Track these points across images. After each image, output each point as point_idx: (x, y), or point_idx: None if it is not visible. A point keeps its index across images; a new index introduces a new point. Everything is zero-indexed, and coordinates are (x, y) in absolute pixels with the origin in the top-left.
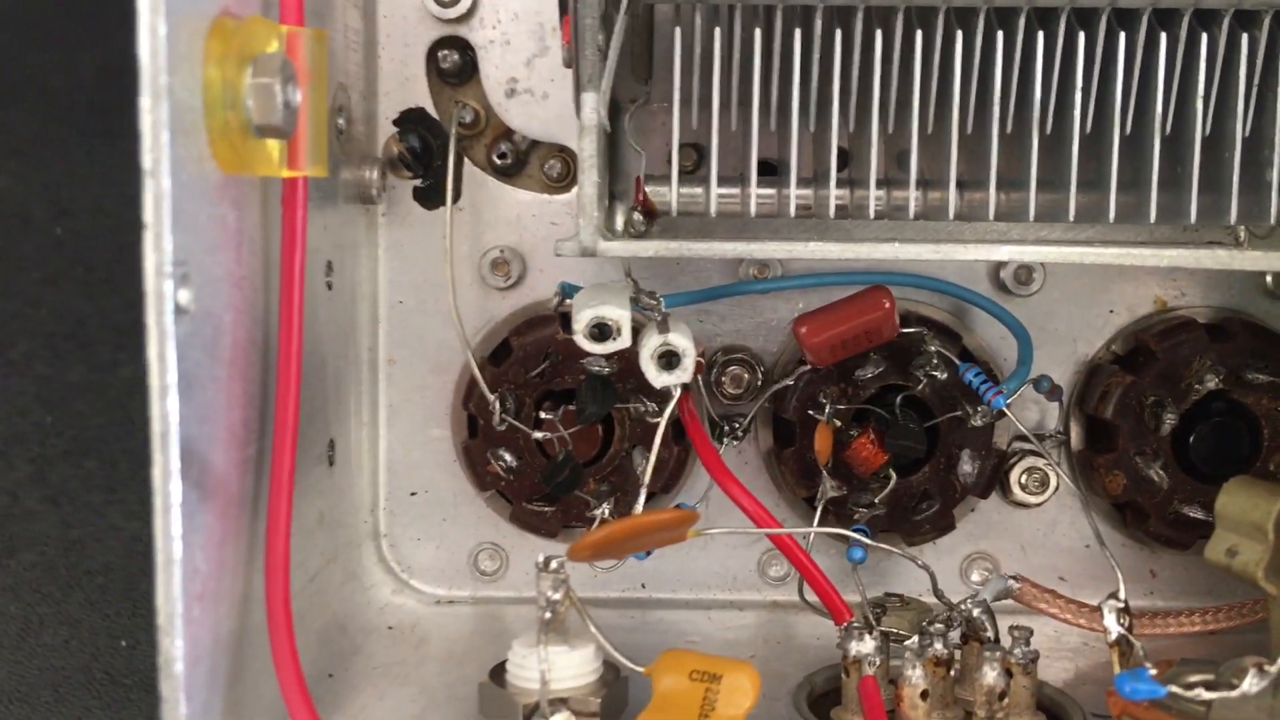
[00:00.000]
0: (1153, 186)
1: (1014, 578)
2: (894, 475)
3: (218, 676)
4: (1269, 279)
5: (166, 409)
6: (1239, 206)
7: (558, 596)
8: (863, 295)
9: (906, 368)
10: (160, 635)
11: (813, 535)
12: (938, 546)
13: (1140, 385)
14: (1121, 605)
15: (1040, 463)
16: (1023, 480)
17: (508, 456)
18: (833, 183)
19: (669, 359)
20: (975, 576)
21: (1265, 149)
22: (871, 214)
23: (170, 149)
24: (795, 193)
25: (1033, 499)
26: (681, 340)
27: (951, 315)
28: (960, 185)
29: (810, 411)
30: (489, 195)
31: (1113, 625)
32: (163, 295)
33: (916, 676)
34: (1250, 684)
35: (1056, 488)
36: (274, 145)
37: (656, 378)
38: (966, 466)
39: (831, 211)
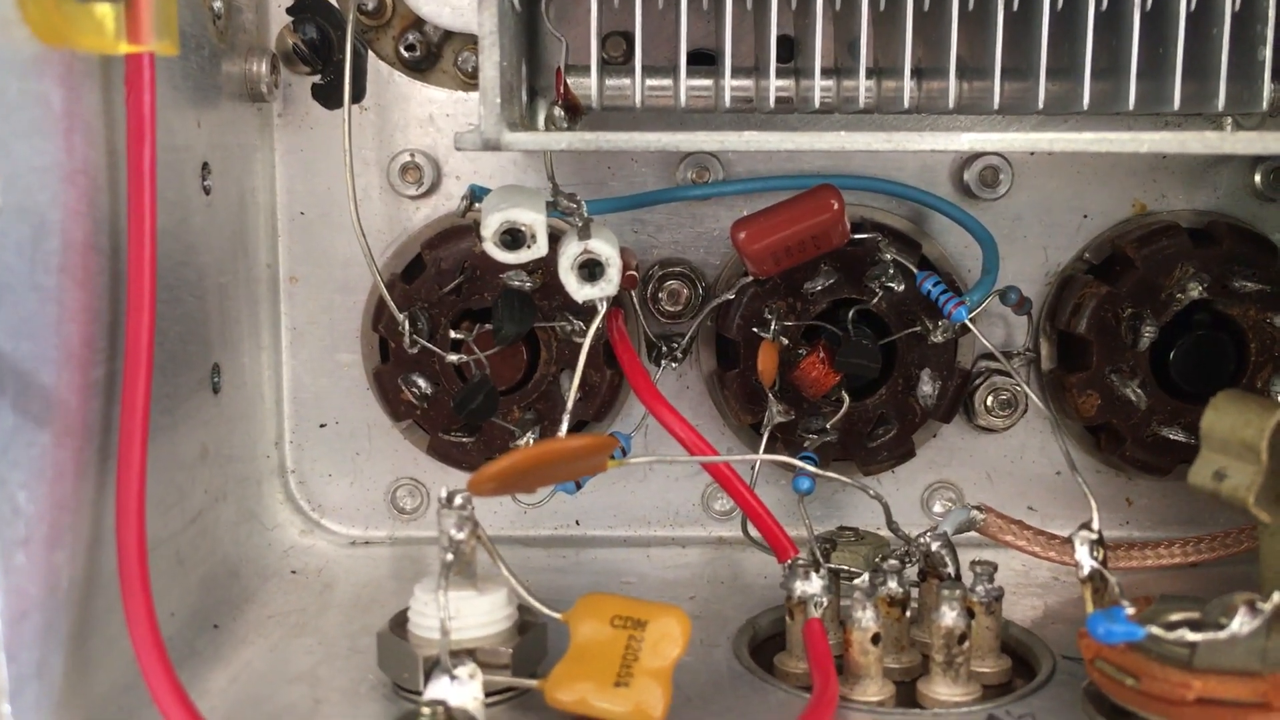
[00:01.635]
0: (1132, 69)
1: (978, 508)
2: (847, 398)
3: (54, 632)
4: (1258, 178)
5: None
6: (1227, 92)
7: (462, 535)
8: (808, 195)
9: (860, 280)
10: None
11: (757, 465)
12: (897, 476)
13: (1116, 296)
14: (1095, 537)
15: (1007, 383)
16: (988, 402)
17: (422, 382)
18: (772, 72)
19: (591, 269)
20: (937, 508)
21: (1257, 24)
22: (817, 105)
23: None
24: (731, 83)
25: (999, 423)
26: (605, 248)
27: (910, 222)
28: (917, 74)
29: (755, 329)
30: (397, 93)
31: (1085, 559)
32: None
33: (867, 619)
34: (1240, 624)
35: (1025, 410)
36: (105, 12)
37: (578, 290)
38: (926, 388)
39: (772, 103)
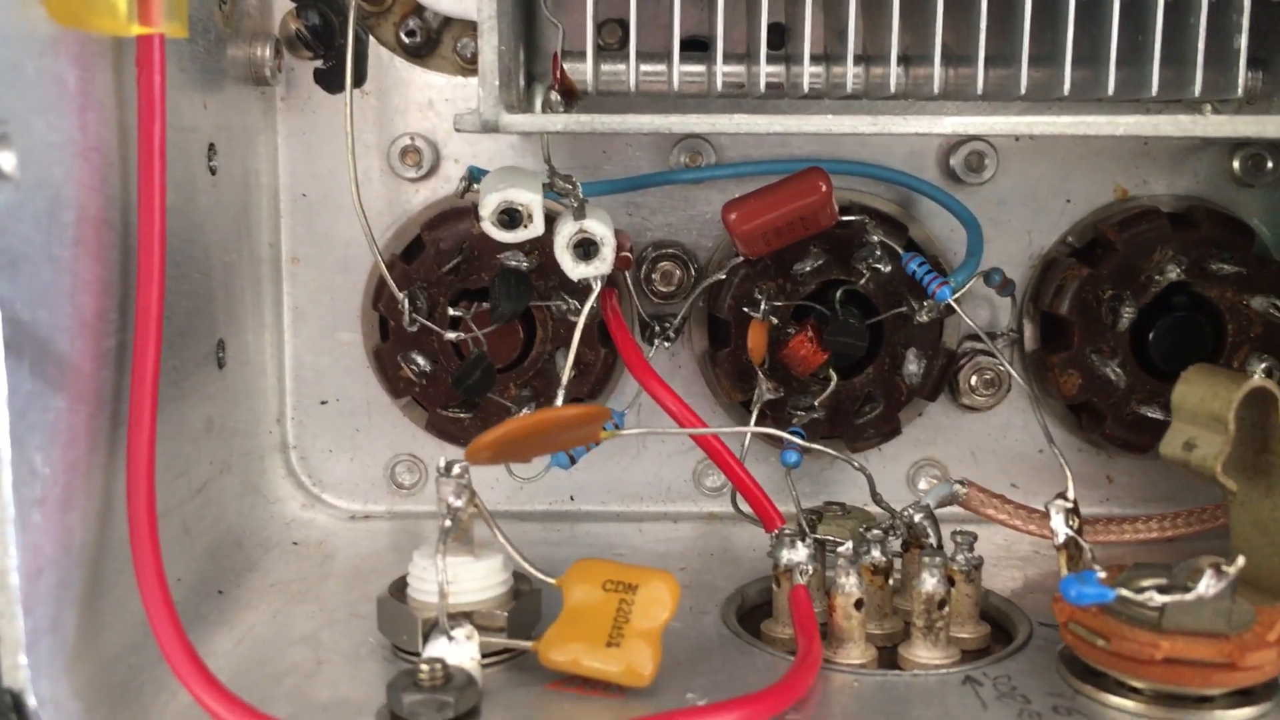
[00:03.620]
0: (1111, 56)
1: (960, 482)
2: (834, 376)
3: (69, 589)
4: (1236, 164)
5: None
6: (1204, 78)
7: (460, 503)
8: (796, 178)
9: (848, 261)
10: None
11: (747, 439)
12: (884, 453)
13: (1098, 278)
14: (1070, 505)
15: (991, 363)
16: (973, 382)
17: (420, 360)
18: (763, 58)
19: (586, 248)
20: (923, 484)
21: (1233, 13)
22: (805, 90)
23: None
24: (722, 69)
25: (983, 401)
26: (599, 227)
27: (898, 206)
28: (905, 60)
29: (745, 309)
30: (398, 78)
31: (1060, 526)
32: None
33: (850, 584)
34: (1206, 586)
35: (1008, 390)
36: None
37: (573, 268)
38: (912, 366)
39: (762, 88)
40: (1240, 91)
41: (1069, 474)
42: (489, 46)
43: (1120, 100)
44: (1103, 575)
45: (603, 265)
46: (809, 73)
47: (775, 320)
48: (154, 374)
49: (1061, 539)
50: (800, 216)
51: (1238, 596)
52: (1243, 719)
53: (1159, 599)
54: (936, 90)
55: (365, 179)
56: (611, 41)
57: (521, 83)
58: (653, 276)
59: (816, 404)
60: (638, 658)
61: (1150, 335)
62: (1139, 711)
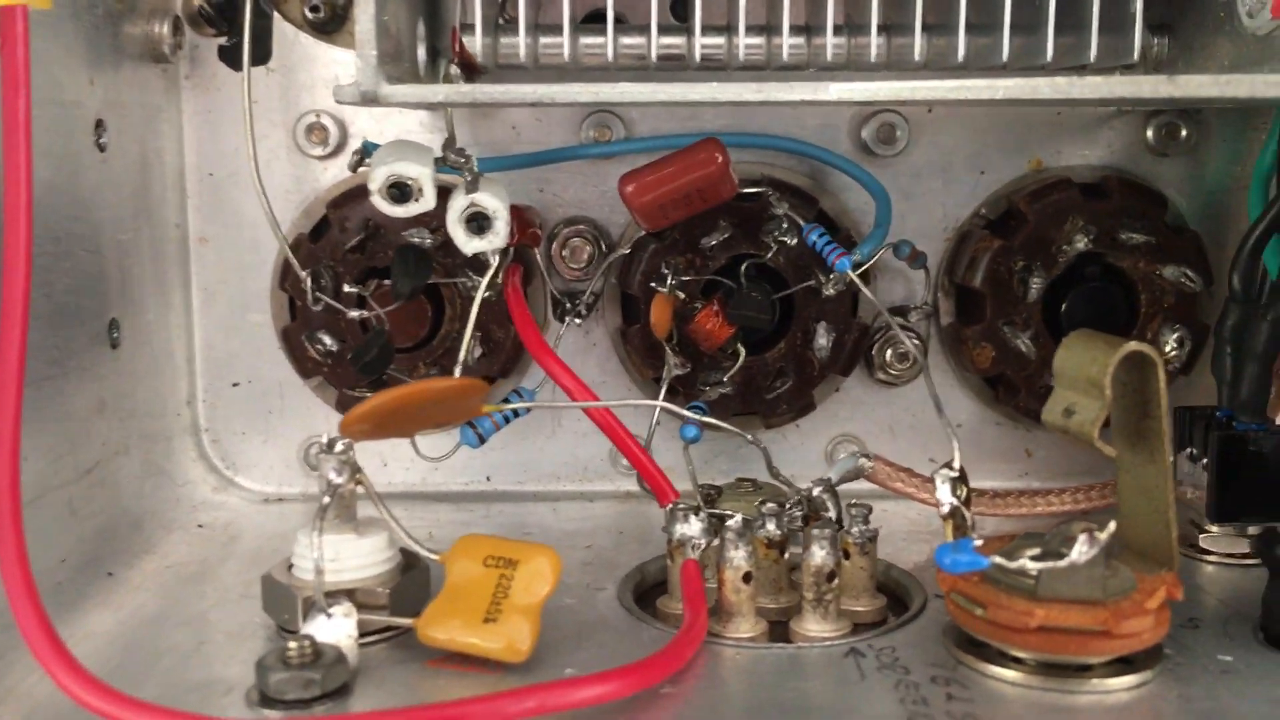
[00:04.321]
0: (1005, 25)
1: (867, 456)
2: (742, 350)
3: None
4: (1150, 134)
5: None
6: (1104, 45)
7: (341, 480)
8: (692, 149)
9: (757, 234)
10: None
11: (655, 416)
12: (800, 429)
13: (1009, 250)
14: (955, 475)
15: (906, 336)
16: (888, 356)
17: (327, 340)
18: (653, 29)
19: (478, 221)
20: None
21: None
22: (697, 60)
23: None
24: (622, 41)
25: (899, 376)
26: (491, 201)
27: (810, 179)
28: (807, 31)
29: (653, 285)
30: (303, 54)
31: (946, 496)
32: None
33: (739, 558)
34: (1079, 553)
35: (924, 366)
36: None
37: (466, 243)
38: (822, 340)
39: (653, 58)
40: (1136, 56)
41: (955, 445)
42: (366, 16)
43: (1017, 67)
44: (979, 543)
45: (496, 239)
46: (699, 44)
47: (682, 295)
48: (20, 351)
49: (946, 509)
50: (697, 188)
51: (1122, 564)
52: (1122, 686)
53: (1033, 566)
54: (829, 58)
55: (272, 156)
56: (515, 16)
57: (423, 56)
58: (563, 253)
59: (726, 379)
60: (515, 633)
61: (1062, 306)
62: (1018, 681)
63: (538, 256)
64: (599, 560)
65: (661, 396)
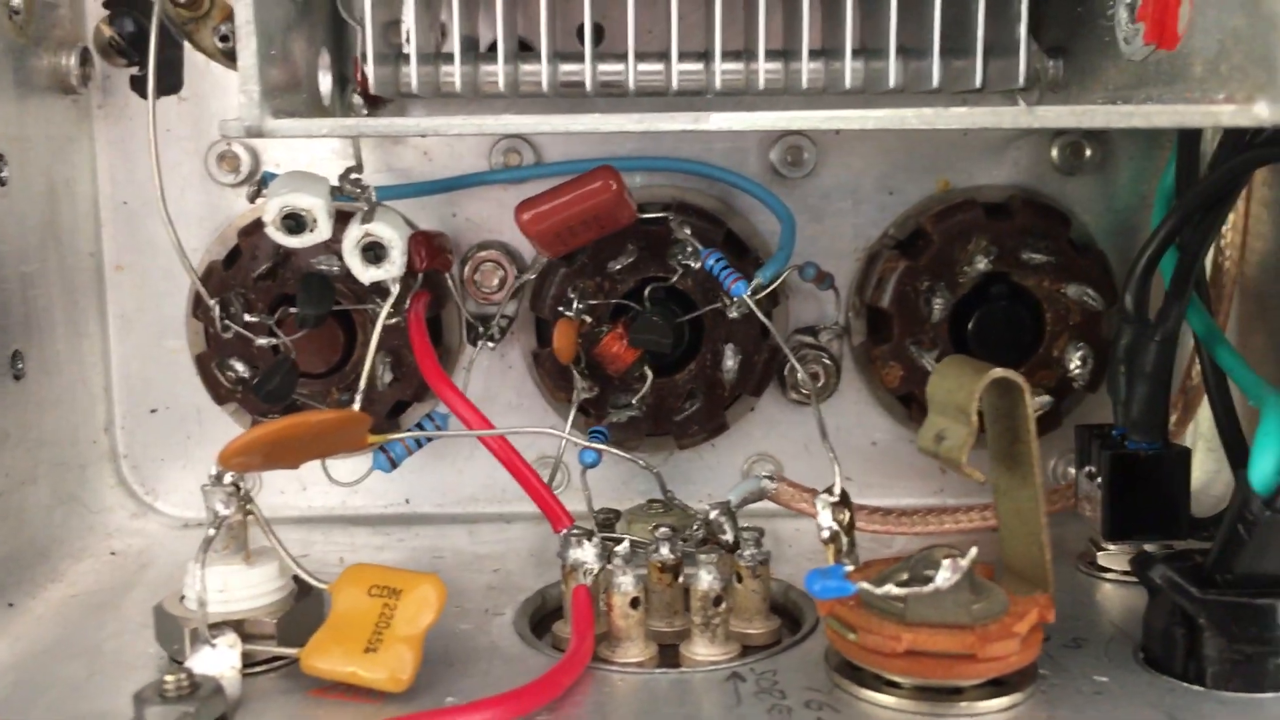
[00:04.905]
0: (891, 49)
1: (769, 477)
2: (650, 373)
3: None
4: (1055, 153)
5: None
6: (996, 68)
7: (228, 512)
8: (586, 177)
9: (664, 258)
10: None
11: (563, 442)
12: (717, 448)
13: (915, 270)
14: (835, 500)
15: (818, 357)
16: (799, 376)
17: (239, 366)
18: (543, 57)
19: (374, 251)
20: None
21: (1013, 3)
22: (589, 88)
23: None
24: (502, 69)
25: (812, 396)
26: (386, 230)
27: (721, 202)
28: (704, 58)
29: (561, 309)
30: (215, 83)
31: (826, 521)
32: None
33: (626, 584)
34: (943, 578)
35: (837, 384)
36: None
37: (363, 272)
38: (729, 362)
39: (546, 85)
40: (1021, 81)
41: (837, 470)
42: (248, 52)
43: (915, 93)
44: (850, 569)
45: (393, 269)
46: (589, 70)
47: (588, 319)
48: None
49: (826, 534)
50: (593, 215)
51: (1002, 585)
52: (993, 709)
53: (898, 591)
54: (718, 87)
55: (186, 184)
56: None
57: (328, 85)
58: (475, 277)
59: (635, 401)
60: (397, 663)
61: (969, 326)
62: (891, 705)
63: (449, 281)
64: (504, 584)
65: (570, 419)
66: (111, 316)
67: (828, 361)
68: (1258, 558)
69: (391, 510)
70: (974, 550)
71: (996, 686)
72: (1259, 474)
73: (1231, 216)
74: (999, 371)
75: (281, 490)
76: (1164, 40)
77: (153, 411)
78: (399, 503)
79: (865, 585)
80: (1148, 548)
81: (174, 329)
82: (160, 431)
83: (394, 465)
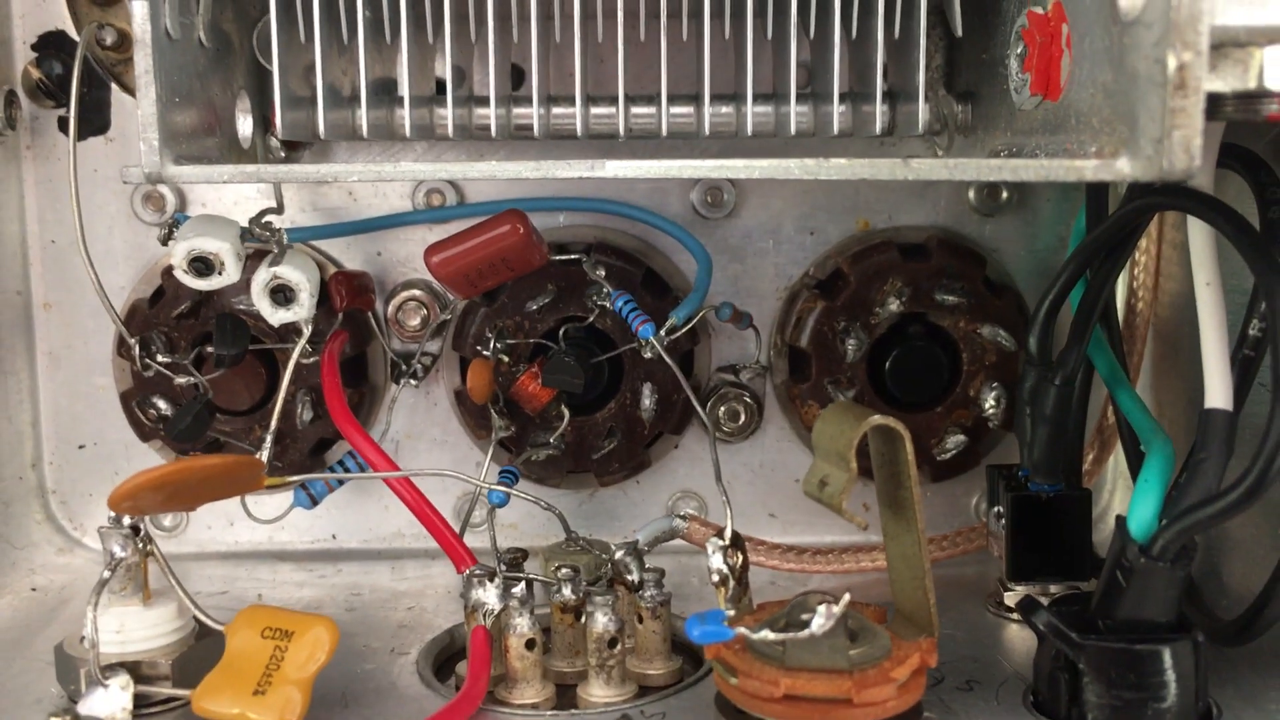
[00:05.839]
0: (791, 93)
1: (681, 517)
2: (567, 412)
3: None
4: (971, 195)
5: None
6: (899, 115)
7: (124, 554)
8: (494, 220)
9: (582, 297)
10: None
11: (482, 479)
12: (641, 485)
13: (832, 310)
14: (725, 544)
15: (739, 395)
16: (720, 414)
17: (162, 404)
18: (449, 101)
19: (283, 293)
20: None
21: (914, 50)
22: (493, 130)
23: None
24: (410, 113)
25: (734, 434)
26: (294, 274)
27: (642, 242)
28: (627, 101)
29: (479, 348)
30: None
31: (717, 564)
32: None
33: (523, 625)
34: (817, 624)
35: (757, 423)
36: None
37: (272, 314)
38: (646, 401)
39: (450, 131)
40: (920, 128)
41: (729, 514)
42: (147, 100)
43: (809, 139)
44: (731, 614)
45: (301, 311)
46: (495, 114)
47: (506, 358)
48: None
49: (716, 577)
50: (502, 258)
51: (861, 637)
52: None
53: (774, 636)
54: (622, 132)
55: (114, 223)
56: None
57: (247, 128)
58: (399, 316)
59: (553, 440)
60: (284, 705)
61: (886, 366)
62: None
63: (373, 320)
64: (416, 622)
65: (489, 457)
66: (40, 354)
67: (749, 400)
68: (1137, 604)
69: (318, 546)
70: (847, 596)
71: None
72: (1137, 521)
73: (1143, 259)
74: (878, 419)
75: (209, 525)
76: (1049, 92)
77: (80, 448)
78: (325, 539)
79: (743, 630)
80: (1053, 588)
81: (101, 366)
82: (88, 467)
83: (315, 502)
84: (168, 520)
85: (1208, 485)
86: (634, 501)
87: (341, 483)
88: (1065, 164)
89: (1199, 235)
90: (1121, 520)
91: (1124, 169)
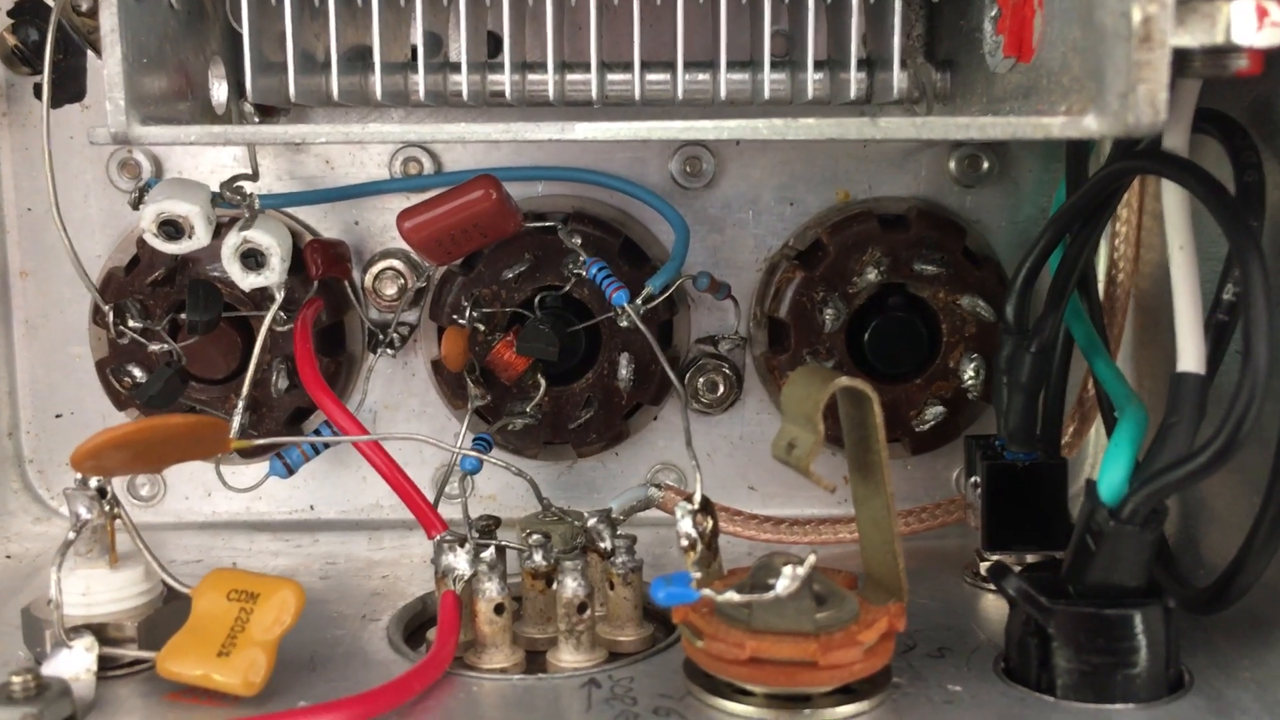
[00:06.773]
0: (765, 62)
1: (656, 486)
2: (543, 381)
3: None
4: (953, 165)
5: None
6: (875, 81)
7: (90, 515)
8: (466, 185)
9: (559, 266)
10: None
11: (459, 446)
12: (621, 457)
13: (811, 281)
14: (694, 509)
15: (719, 367)
16: (699, 386)
17: (137, 372)
18: (420, 67)
19: (254, 258)
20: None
21: (889, 16)
22: (465, 95)
23: None
24: (380, 80)
25: (712, 406)
26: (264, 238)
27: (621, 211)
28: (602, 67)
29: (455, 317)
30: None
31: (685, 528)
32: None
33: (492, 590)
34: (783, 586)
35: (736, 394)
36: None
37: (242, 279)
38: (623, 371)
39: (423, 96)
40: (895, 94)
41: (698, 478)
42: (113, 60)
43: (785, 105)
44: (698, 576)
45: (273, 275)
46: (467, 81)
47: (481, 327)
48: None
49: (685, 542)
50: (475, 224)
51: (829, 600)
52: (838, 717)
53: (738, 598)
54: (595, 98)
55: (90, 191)
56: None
57: (222, 93)
58: (375, 285)
59: (529, 410)
60: (248, 666)
61: (865, 337)
62: (740, 713)
63: (349, 289)
64: (390, 590)
65: (465, 426)
66: (16, 322)
67: (728, 371)
68: (1107, 569)
69: (295, 517)
70: (812, 557)
71: (846, 695)
72: (1107, 484)
73: (1124, 229)
74: (845, 380)
75: (186, 496)
76: (1022, 53)
77: (58, 416)
78: (303, 509)
79: (708, 591)
80: (1029, 557)
81: (78, 335)
82: (66, 436)
83: (290, 471)
84: (144, 489)
85: (1178, 449)
86: (613, 473)
87: (317, 451)
88: (1032, 121)
89: (1173, 199)
90: (1091, 484)
91: (1090, 125)
